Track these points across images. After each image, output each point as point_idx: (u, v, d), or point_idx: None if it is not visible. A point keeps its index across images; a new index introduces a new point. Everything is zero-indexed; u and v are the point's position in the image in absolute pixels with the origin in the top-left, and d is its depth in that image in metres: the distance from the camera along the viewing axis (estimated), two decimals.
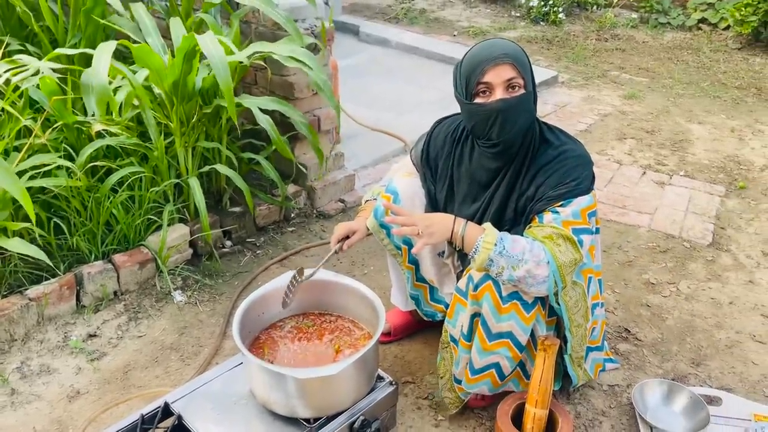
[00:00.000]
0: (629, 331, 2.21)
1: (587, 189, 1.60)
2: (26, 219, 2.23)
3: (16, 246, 1.93)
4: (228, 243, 2.60)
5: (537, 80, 4.26)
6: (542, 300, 1.62)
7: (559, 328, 1.73)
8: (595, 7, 6.68)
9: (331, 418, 1.61)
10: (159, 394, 1.83)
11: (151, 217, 2.40)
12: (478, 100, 1.58)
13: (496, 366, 1.68)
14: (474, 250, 1.54)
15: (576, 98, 4.37)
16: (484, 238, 1.53)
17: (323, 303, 1.86)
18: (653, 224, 2.86)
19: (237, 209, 2.63)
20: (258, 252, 2.60)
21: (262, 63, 2.52)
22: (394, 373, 2.01)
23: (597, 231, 1.78)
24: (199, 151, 2.55)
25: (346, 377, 1.57)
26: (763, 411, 1.87)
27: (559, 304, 1.61)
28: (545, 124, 1.73)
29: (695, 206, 3.02)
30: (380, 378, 1.74)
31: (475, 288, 1.63)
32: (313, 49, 2.62)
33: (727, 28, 5.89)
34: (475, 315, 1.66)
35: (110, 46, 1.96)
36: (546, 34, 5.92)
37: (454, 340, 1.76)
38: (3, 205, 2.09)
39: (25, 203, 1.68)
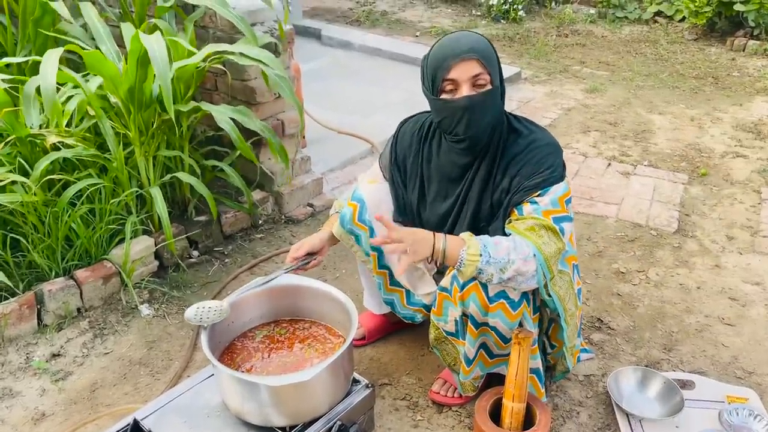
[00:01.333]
0: (602, 321, 2.22)
1: (561, 176, 1.60)
2: None
3: None
4: (195, 253, 2.54)
5: (506, 74, 4.30)
6: (527, 297, 1.61)
7: (541, 324, 1.72)
8: (554, 4, 6.76)
9: (307, 425, 1.58)
10: (128, 411, 1.77)
11: (115, 228, 2.34)
12: (444, 96, 1.56)
13: (485, 346, 1.69)
14: (459, 263, 1.50)
15: (539, 93, 4.41)
16: (468, 251, 1.49)
17: (296, 308, 1.83)
18: (620, 214, 2.89)
19: (203, 218, 2.58)
20: (226, 261, 2.55)
21: (222, 67, 2.47)
22: (370, 375, 1.98)
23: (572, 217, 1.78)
24: (161, 160, 2.49)
25: (320, 382, 1.54)
26: (735, 392, 1.89)
27: (550, 295, 1.60)
28: (511, 114, 1.72)
29: (660, 195, 3.06)
30: (356, 381, 1.72)
31: (461, 288, 1.61)
32: (273, 51, 2.58)
33: (683, 19, 6.02)
34: (462, 315, 1.65)
35: (57, 52, 1.90)
36: (507, 31, 5.96)
37: (452, 334, 1.74)
38: None
39: None
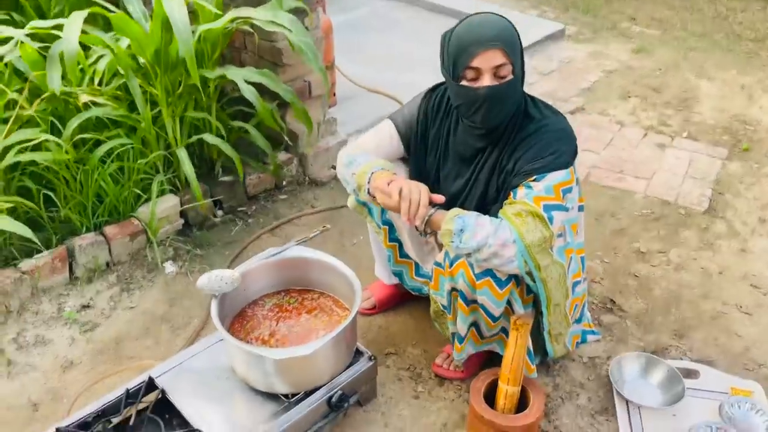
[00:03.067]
0: (614, 302, 2.21)
1: (565, 164, 1.58)
2: (20, 193, 2.27)
3: (3, 224, 1.96)
4: (219, 212, 2.62)
5: (542, 34, 4.20)
6: (517, 277, 1.63)
7: (537, 305, 1.74)
8: None
9: (309, 393, 1.66)
10: (147, 366, 1.88)
11: (143, 186, 2.43)
12: (464, 83, 1.55)
13: (476, 325, 1.73)
14: (440, 236, 1.55)
15: (582, 53, 4.25)
16: (445, 226, 1.53)
17: (305, 279, 1.89)
18: (649, 190, 2.82)
19: (228, 178, 2.64)
20: (249, 221, 2.62)
21: (249, 29, 2.47)
22: (377, 344, 2.05)
23: (581, 208, 1.77)
24: (188, 121, 2.54)
25: (322, 356, 1.61)
26: (740, 385, 1.88)
27: (534, 282, 1.61)
28: (530, 98, 1.70)
29: (695, 170, 2.97)
30: (359, 353, 1.78)
31: (451, 264, 1.64)
32: (302, 12, 2.56)
33: None
34: (453, 290, 1.68)
35: (81, 15, 1.94)
36: None
37: (446, 308, 1.78)
38: None
39: None
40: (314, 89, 2.81)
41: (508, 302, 1.66)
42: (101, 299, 2.22)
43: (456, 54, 1.53)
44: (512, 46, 1.52)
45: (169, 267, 2.35)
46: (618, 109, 3.53)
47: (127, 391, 1.67)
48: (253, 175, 2.69)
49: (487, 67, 1.51)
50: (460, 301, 1.67)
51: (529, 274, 1.58)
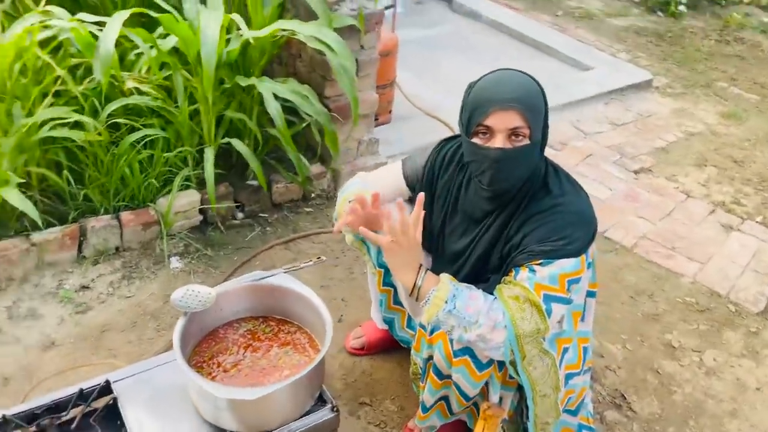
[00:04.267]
0: (625, 398, 2.00)
1: (576, 252, 1.42)
2: (48, 166, 2.31)
3: (13, 199, 1.98)
4: (239, 215, 2.58)
5: (625, 82, 3.93)
6: (501, 362, 1.48)
7: (521, 391, 1.58)
8: (724, 1, 5.96)
9: None
10: (117, 366, 1.85)
11: (169, 177, 2.42)
12: (476, 141, 1.42)
13: (446, 399, 1.60)
14: (425, 301, 1.42)
15: (666, 109, 3.95)
16: (436, 293, 1.40)
17: (286, 310, 1.79)
18: (700, 276, 2.56)
19: (255, 182, 2.60)
20: (267, 229, 2.57)
21: (296, 39, 2.41)
22: (355, 390, 1.94)
23: (592, 294, 1.59)
24: (227, 121, 2.52)
25: (272, 401, 1.51)
26: None
27: (518, 374, 1.46)
28: (553, 167, 1.55)
29: (760, 263, 2.67)
30: (323, 401, 1.68)
31: (431, 332, 1.52)
32: (357, 31, 2.49)
33: None
34: (429, 358, 1.56)
35: (122, 15, 1.95)
36: (659, 26, 5.37)
37: (422, 373, 1.66)
38: (22, 150, 2.16)
39: None
40: (361, 108, 2.72)
41: (486, 383, 1.51)
42: (101, 283, 2.22)
43: (472, 109, 1.41)
44: (533, 110, 1.38)
45: (175, 262, 2.33)
46: (689, 177, 3.24)
47: (81, 390, 1.63)
48: (281, 183, 2.63)
49: (501, 128, 1.37)
50: (431, 373, 1.54)
51: (513, 364, 1.43)
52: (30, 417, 1.58)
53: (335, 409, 1.66)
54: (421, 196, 1.43)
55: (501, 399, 1.57)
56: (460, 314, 1.38)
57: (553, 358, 1.47)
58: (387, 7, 3.31)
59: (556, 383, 1.52)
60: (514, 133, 1.38)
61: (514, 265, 1.44)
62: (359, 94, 2.70)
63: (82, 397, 1.63)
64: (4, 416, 1.55)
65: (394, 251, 1.43)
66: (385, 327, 1.97)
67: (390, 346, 2.06)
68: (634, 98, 4.02)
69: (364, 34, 2.52)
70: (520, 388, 1.56)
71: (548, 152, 3.20)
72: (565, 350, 1.51)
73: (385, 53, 3.17)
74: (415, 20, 4.94)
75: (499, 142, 1.39)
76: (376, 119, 3.29)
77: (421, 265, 1.45)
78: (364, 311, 2.15)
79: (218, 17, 1.98)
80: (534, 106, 1.39)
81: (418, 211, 1.41)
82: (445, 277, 1.44)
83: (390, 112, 3.41)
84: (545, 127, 1.45)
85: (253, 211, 2.60)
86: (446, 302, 1.39)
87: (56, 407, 1.61)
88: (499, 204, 1.51)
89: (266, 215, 2.62)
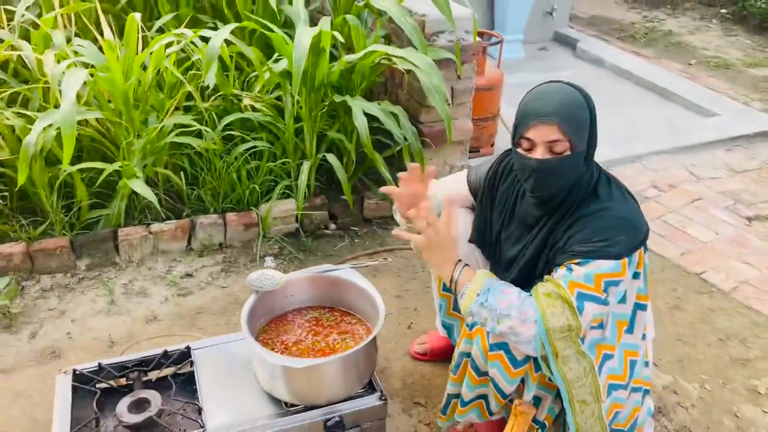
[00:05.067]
0: None
1: (616, 254, 1.43)
2: (172, 170, 2.66)
3: (139, 188, 2.32)
4: (332, 225, 2.78)
5: (756, 130, 3.73)
6: (536, 360, 1.50)
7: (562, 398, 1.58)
8: None
9: (308, 409, 1.70)
10: (199, 338, 2.08)
11: (272, 185, 2.69)
12: (520, 151, 1.51)
13: (485, 398, 1.64)
14: (461, 295, 1.50)
15: None
16: (471, 286, 1.48)
17: (349, 303, 1.93)
18: None
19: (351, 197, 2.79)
20: (356, 241, 2.74)
21: (398, 69, 2.61)
22: (412, 390, 2.01)
23: (642, 307, 1.57)
24: (328, 139, 2.75)
25: (321, 373, 1.64)
26: None
27: (552, 372, 1.47)
28: (606, 176, 1.58)
29: None
30: (372, 388, 1.77)
31: (470, 328, 1.58)
32: (462, 63, 2.65)
33: None
34: (465, 354, 1.61)
35: (228, 28, 2.27)
36: None
37: (456, 366, 1.71)
38: (152, 152, 2.53)
39: (66, 146, 2.04)
40: (454, 134, 2.85)
41: (522, 381, 1.53)
42: (203, 273, 2.50)
43: (517, 121, 1.50)
44: (572, 122, 1.43)
45: (268, 262, 2.56)
46: None
47: (166, 351, 1.86)
48: (372, 199, 2.80)
49: (540, 141, 1.45)
50: (470, 369, 1.58)
51: (545, 360, 1.45)
52: (121, 368, 1.83)
53: (383, 398, 1.75)
54: (450, 199, 1.56)
55: (540, 400, 1.57)
56: (492, 306, 1.43)
57: (591, 362, 1.47)
58: (492, 43, 3.45)
59: (596, 390, 1.50)
60: (553, 145, 1.44)
61: (555, 265, 1.48)
62: (454, 121, 2.85)
63: (166, 356, 1.86)
64: (99, 364, 1.82)
65: (429, 248, 1.52)
66: (445, 333, 2.03)
67: (452, 355, 2.10)
68: (761, 147, 3.78)
69: (460, 65, 2.66)
70: (560, 396, 1.56)
71: (652, 192, 3.14)
72: (606, 356, 1.50)
73: (488, 87, 3.30)
74: (536, 65, 5.03)
75: (539, 153, 1.46)
76: (477, 151, 3.41)
77: (459, 260, 1.53)
78: (433, 322, 2.22)
79: (312, 31, 2.23)
80: (574, 119, 1.44)
81: (449, 212, 1.51)
82: (481, 272, 1.51)
83: (492, 145, 3.50)
84: (592, 137, 1.49)
85: (344, 224, 2.79)
86: (478, 295, 1.45)
87: (144, 363, 1.85)
88: (548, 210, 1.56)
89: (356, 228, 2.80)
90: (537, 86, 1.53)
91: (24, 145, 2.15)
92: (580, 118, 1.45)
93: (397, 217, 1.83)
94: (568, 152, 1.45)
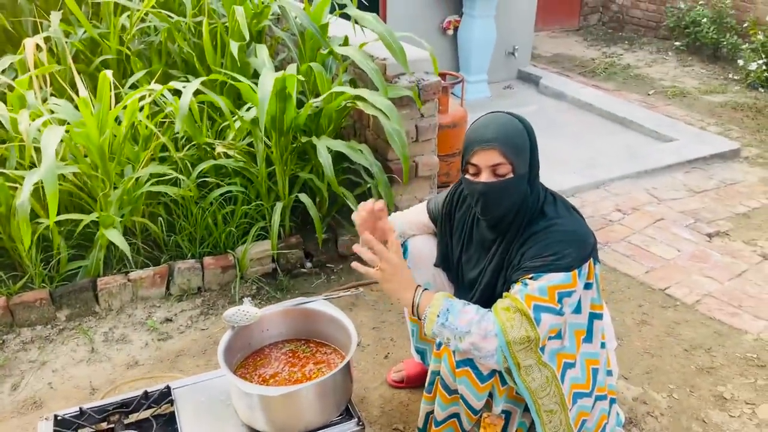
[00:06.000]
0: None
1: (566, 267, 1.52)
2: (151, 217, 2.73)
3: (113, 237, 2.39)
4: (308, 264, 2.85)
5: (708, 152, 3.89)
6: (502, 374, 1.57)
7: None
8: None
9: None
10: (179, 378, 2.12)
11: (247, 228, 2.76)
12: (468, 176, 1.61)
13: (457, 417, 1.69)
14: (423, 318, 1.57)
15: (753, 177, 3.83)
16: (431, 309, 1.56)
17: (323, 333, 1.99)
18: (766, 333, 2.44)
19: (325, 235, 2.87)
20: (332, 277, 2.81)
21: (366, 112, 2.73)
22: (390, 417, 2.06)
23: (597, 316, 1.66)
24: (301, 181, 2.85)
25: (297, 400, 1.69)
26: None
27: (516, 383, 1.54)
28: (552, 195, 1.68)
29: None
30: (349, 414, 1.82)
31: (438, 347, 1.65)
32: (424, 102, 2.79)
33: None
34: (436, 373, 1.68)
35: (197, 81, 2.39)
36: (759, 102, 5.23)
37: (429, 384, 1.78)
38: (129, 202, 2.60)
39: (51, 202, 2.12)
40: (421, 170, 2.97)
41: (490, 395, 1.60)
42: (182, 317, 2.55)
43: (464, 149, 1.61)
44: (512, 147, 1.55)
45: (247, 303, 2.61)
46: None
47: (146, 392, 1.90)
48: (346, 236, 2.89)
49: (485, 165, 1.55)
50: (440, 387, 1.65)
51: (509, 372, 1.52)
52: (102, 411, 1.86)
53: (361, 423, 1.80)
54: (391, 226, 1.70)
55: (510, 414, 1.64)
56: (453, 326, 1.51)
57: (552, 371, 1.54)
58: (454, 83, 3.61)
59: (561, 399, 1.57)
60: (495, 169, 1.55)
61: (510, 282, 1.57)
62: (420, 157, 2.97)
63: (147, 397, 1.90)
64: (80, 408, 1.85)
65: (385, 278, 1.61)
66: (419, 358, 2.09)
67: None
68: (718, 168, 3.95)
69: (421, 104, 2.80)
70: (529, 409, 1.62)
71: (616, 215, 3.26)
72: (567, 365, 1.57)
73: (452, 125, 3.45)
74: (501, 103, 5.22)
75: (484, 176, 1.57)
76: (447, 185, 3.52)
77: (418, 286, 1.61)
78: (410, 350, 2.28)
79: (276, 75, 2.36)
80: (515, 144, 1.55)
81: (390, 239, 1.64)
82: (440, 294, 1.59)
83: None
84: (533, 160, 1.60)
85: (320, 261, 2.87)
86: (438, 316, 1.53)
87: (124, 405, 1.88)
88: (500, 231, 1.65)
89: (332, 265, 2.87)
90: (480, 117, 1.64)
91: (18, 206, 2.18)
92: (518, 143, 1.56)
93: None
94: (511, 174, 1.55)
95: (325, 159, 2.54)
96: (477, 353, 1.50)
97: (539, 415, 1.58)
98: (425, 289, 1.62)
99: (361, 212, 1.74)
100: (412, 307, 1.60)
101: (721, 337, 2.43)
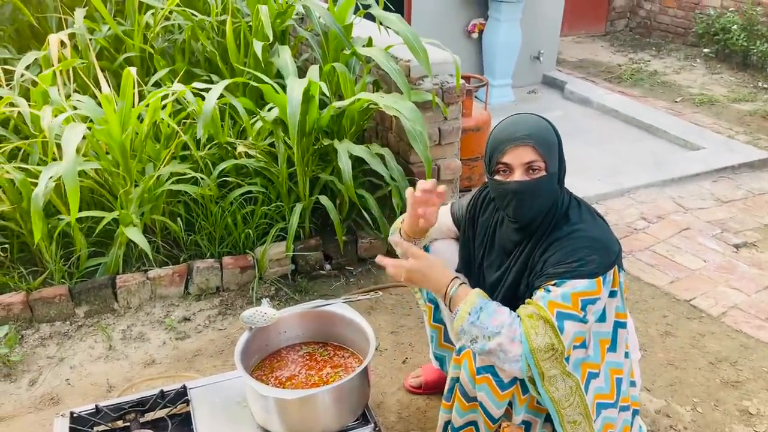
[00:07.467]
0: None
1: (590, 273, 1.48)
2: (171, 216, 2.74)
3: (133, 235, 2.39)
4: (327, 266, 2.83)
5: (740, 161, 3.81)
6: (523, 383, 1.53)
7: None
8: None
9: None
10: (195, 378, 2.11)
11: (266, 231, 2.75)
12: (497, 178, 1.58)
13: (475, 424, 1.66)
14: (454, 314, 1.54)
15: None
16: (463, 305, 1.52)
17: (342, 336, 1.98)
18: None
19: (345, 238, 2.85)
20: (351, 280, 2.78)
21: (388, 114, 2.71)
22: (407, 423, 2.03)
23: (621, 325, 1.61)
24: (321, 182, 2.83)
25: (313, 404, 1.67)
26: None
27: (539, 393, 1.50)
28: (576, 200, 1.65)
29: None
30: (366, 420, 1.80)
31: (458, 353, 1.61)
32: (447, 105, 2.76)
33: None
34: (455, 380, 1.64)
35: (221, 85, 2.39)
36: None
37: (448, 392, 1.74)
38: (149, 200, 2.60)
39: (71, 199, 2.11)
40: (444, 173, 2.94)
41: (510, 404, 1.56)
42: (200, 316, 2.54)
43: (491, 150, 1.57)
44: (545, 144, 1.52)
45: (265, 303, 2.59)
46: None
47: (162, 391, 1.89)
48: (366, 239, 2.86)
49: (518, 163, 1.52)
50: (458, 394, 1.62)
51: (532, 382, 1.48)
52: (118, 410, 1.86)
53: (377, 429, 1.78)
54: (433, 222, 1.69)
55: (531, 425, 1.60)
56: (483, 325, 1.47)
57: (576, 381, 1.50)
58: (478, 86, 3.57)
59: (585, 409, 1.53)
60: (530, 166, 1.51)
61: (533, 288, 1.53)
62: (443, 160, 2.94)
63: (163, 396, 1.90)
64: (96, 406, 1.85)
65: (415, 279, 1.59)
66: (438, 365, 2.06)
67: None
68: (746, 177, 3.86)
69: (445, 107, 2.77)
70: (551, 420, 1.58)
71: (641, 224, 3.20)
72: (592, 375, 1.53)
73: (476, 128, 3.42)
74: (525, 108, 5.16)
75: (517, 175, 1.53)
76: (470, 190, 3.48)
77: (455, 278, 1.58)
78: (428, 356, 2.24)
79: (303, 83, 2.34)
80: (546, 141, 1.52)
81: (406, 246, 1.66)
82: (476, 291, 1.55)
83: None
84: (561, 160, 1.56)
85: (339, 264, 2.85)
86: (470, 314, 1.50)
87: (140, 404, 1.88)
88: (526, 235, 1.62)
89: (351, 268, 2.85)
90: (504, 119, 1.61)
91: (33, 198, 2.18)
92: (550, 141, 1.53)
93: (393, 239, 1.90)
94: (544, 173, 1.52)
95: (344, 164, 2.52)
96: (502, 355, 1.46)
97: (563, 426, 1.54)
98: (463, 282, 1.58)
99: (417, 191, 1.68)
100: (445, 297, 1.56)
101: (747, 351, 2.36)
